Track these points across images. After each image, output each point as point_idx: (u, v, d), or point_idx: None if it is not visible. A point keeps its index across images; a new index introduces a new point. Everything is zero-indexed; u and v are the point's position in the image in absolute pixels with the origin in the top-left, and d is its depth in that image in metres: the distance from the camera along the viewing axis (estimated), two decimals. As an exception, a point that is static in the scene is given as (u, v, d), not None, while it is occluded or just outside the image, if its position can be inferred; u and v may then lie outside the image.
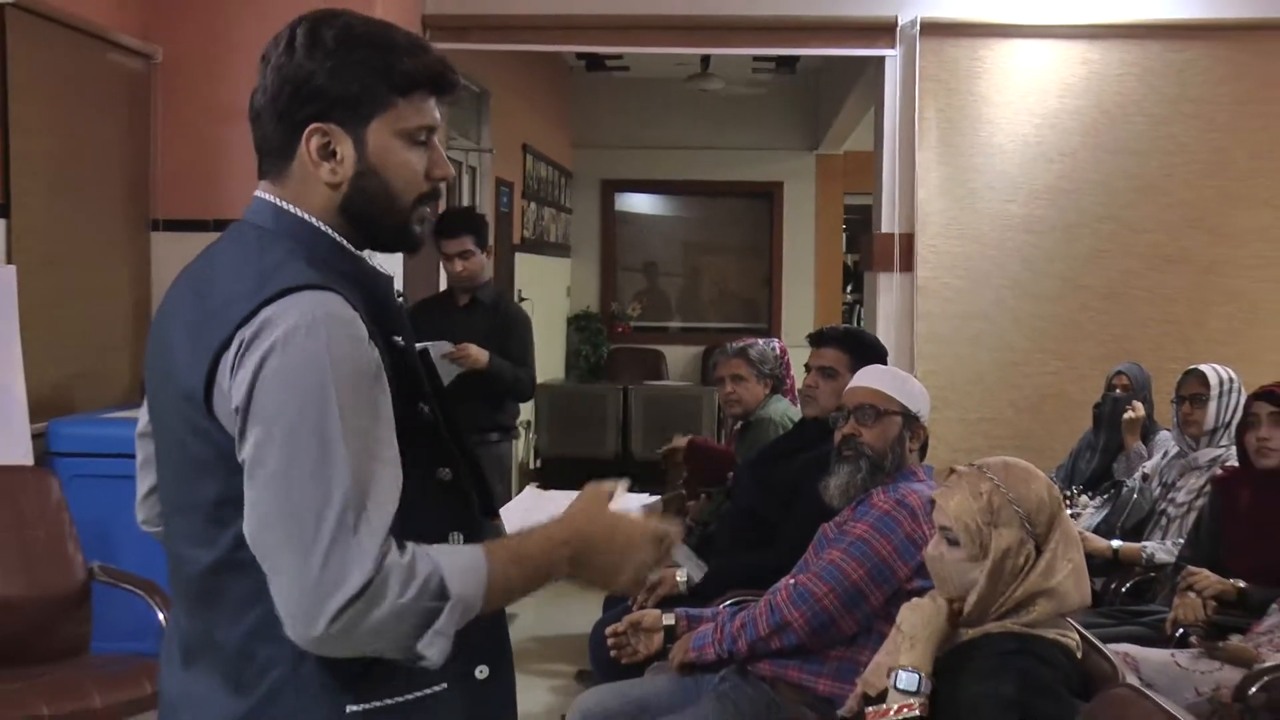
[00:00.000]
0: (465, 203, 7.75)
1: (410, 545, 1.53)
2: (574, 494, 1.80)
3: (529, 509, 2.14)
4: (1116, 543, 4.46)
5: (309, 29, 1.64)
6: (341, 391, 1.50)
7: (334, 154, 1.65)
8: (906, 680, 2.38)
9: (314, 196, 1.67)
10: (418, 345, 1.71)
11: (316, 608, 1.46)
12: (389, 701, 1.60)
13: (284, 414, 1.49)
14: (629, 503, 2.09)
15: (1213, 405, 4.44)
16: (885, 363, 3.90)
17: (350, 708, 1.59)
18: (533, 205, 9.51)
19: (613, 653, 3.41)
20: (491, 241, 5.29)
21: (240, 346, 1.51)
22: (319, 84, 1.62)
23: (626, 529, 1.70)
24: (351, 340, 1.54)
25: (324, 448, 1.48)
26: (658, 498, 2.25)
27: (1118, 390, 5.29)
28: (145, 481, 1.87)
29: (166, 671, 1.74)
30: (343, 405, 1.50)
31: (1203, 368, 4.55)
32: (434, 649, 1.51)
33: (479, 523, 1.71)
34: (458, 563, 1.54)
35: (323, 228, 1.67)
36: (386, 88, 1.64)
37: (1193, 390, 4.51)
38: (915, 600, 2.51)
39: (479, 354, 4.92)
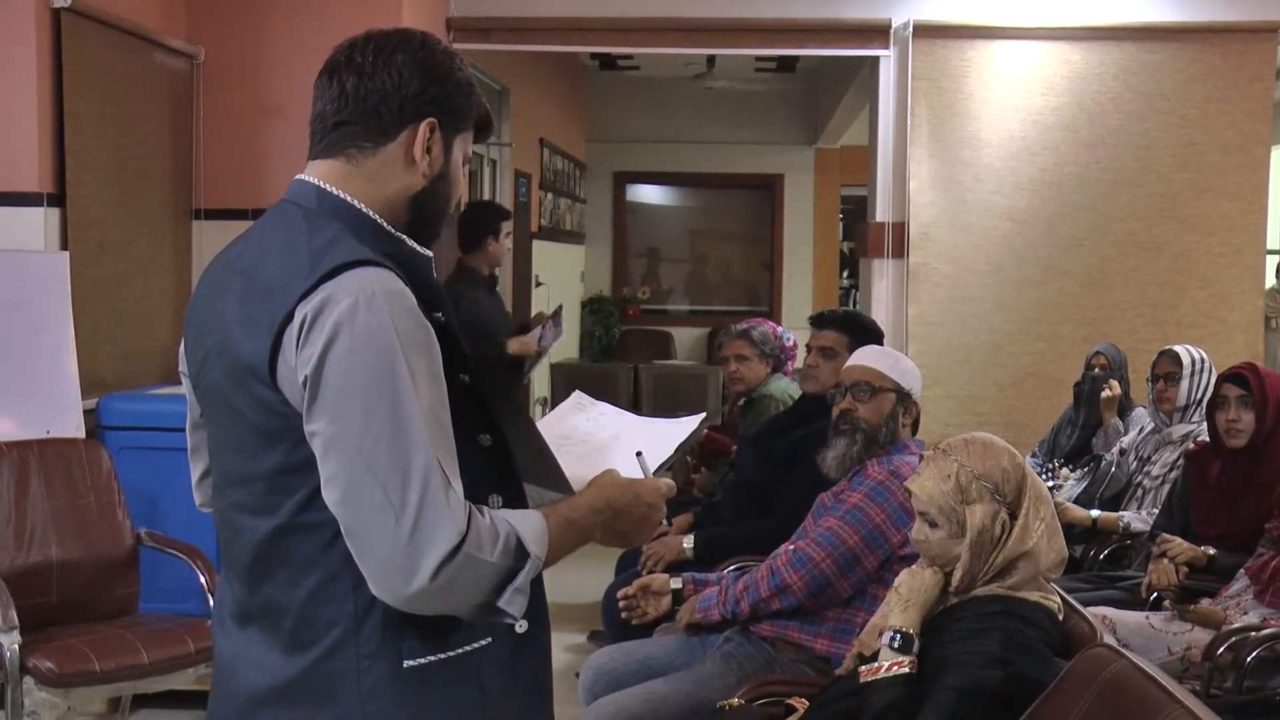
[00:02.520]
0: (486, 192, 7.77)
1: (484, 508, 1.55)
2: (613, 406, 2.03)
3: (574, 418, 2.12)
4: (1095, 512, 4.45)
5: (436, 41, 1.72)
6: (410, 359, 1.51)
7: (429, 150, 1.68)
8: (897, 640, 2.38)
9: (387, 182, 1.68)
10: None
11: (414, 565, 1.47)
12: (441, 656, 1.60)
13: (358, 386, 1.49)
14: (684, 424, 2.08)
15: (1185, 383, 4.42)
16: (882, 344, 3.88)
17: (406, 662, 1.59)
18: (549, 196, 9.49)
19: (623, 615, 3.40)
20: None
21: (305, 322, 1.51)
22: (448, 89, 1.69)
23: (645, 495, 1.76)
24: (410, 311, 1.54)
25: (400, 414, 1.48)
26: (704, 415, 2.22)
27: (1096, 370, 5.26)
28: (199, 467, 1.86)
29: (220, 635, 1.73)
30: (413, 372, 1.50)
31: (1176, 348, 4.52)
32: (515, 605, 1.54)
33: (518, 485, 1.71)
34: (528, 524, 1.57)
35: (365, 210, 1.66)
36: (473, 115, 1.74)
37: (1166, 369, 4.48)
38: (916, 567, 2.50)
39: (530, 344, 5.21)
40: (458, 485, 1.51)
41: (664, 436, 2.01)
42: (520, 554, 1.54)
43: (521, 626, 1.68)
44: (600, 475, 1.75)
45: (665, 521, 1.86)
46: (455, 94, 1.70)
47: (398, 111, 1.66)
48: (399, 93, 1.66)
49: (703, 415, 2.11)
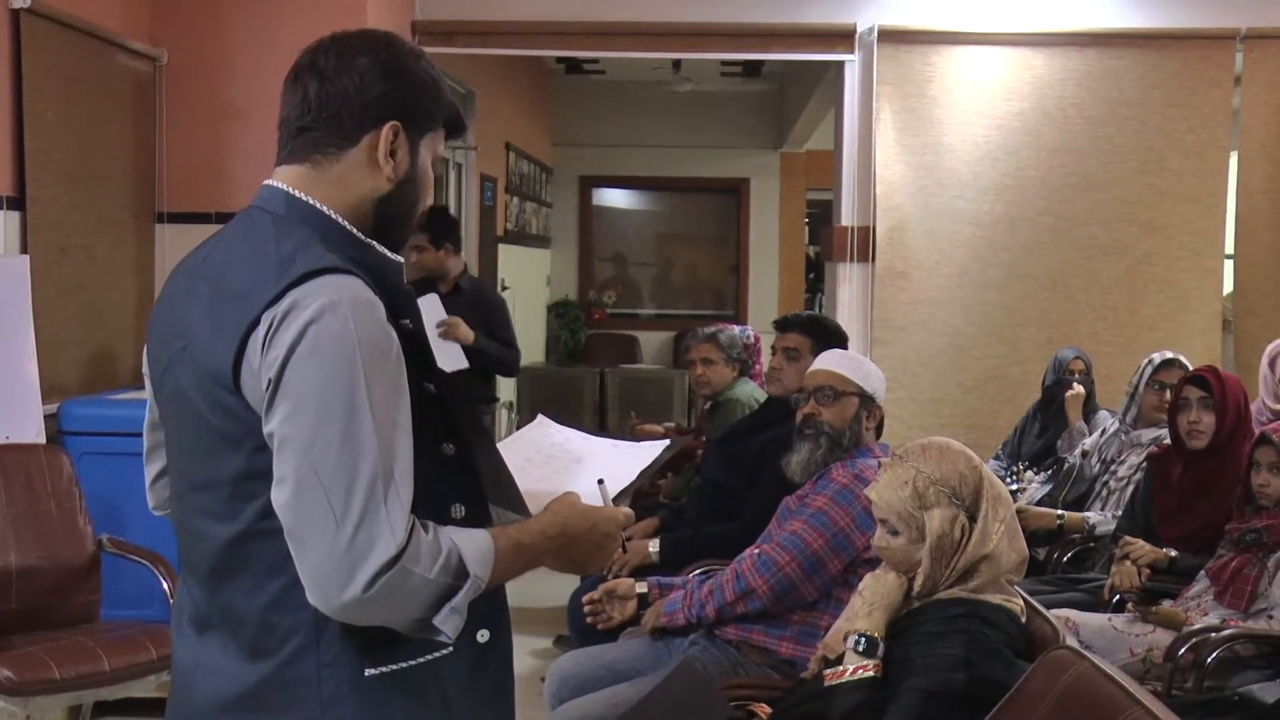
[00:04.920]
0: (452, 196, 7.74)
1: (430, 523, 1.54)
2: (575, 431, 1.99)
3: (537, 441, 2.11)
4: (1062, 512, 4.47)
5: (410, 46, 1.71)
6: (368, 369, 1.50)
7: (394, 154, 1.67)
8: (862, 643, 2.38)
9: (352, 186, 1.66)
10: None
11: (349, 574, 1.46)
12: (401, 665, 1.60)
13: (314, 390, 1.48)
14: (648, 450, 2.07)
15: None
16: (845, 346, 3.89)
17: (368, 671, 1.58)
18: (515, 199, 9.47)
19: (589, 619, 3.40)
20: (455, 239, 5.51)
21: (270, 327, 1.50)
22: (412, 90, 1.68)
23: (601, 525, 1.74)
24: (374, 321, 1.53)
25: (353, 422, 1.48)
26: (668, 442, 2.21)
27: (1076, 375, 5.27)
28: (153, 468, 1.84)
29: (179, 641, 1.71)
30: (370, 382, 1.50)
31: (1183, 359, 4.51)
32: (449, 624, 1.53)
33: (482, 496, 1.70)
34: (473, 544, 1.55)
35: (334, 216, 1.65)
36: (441, 114, 1.73)
37: (1174, 381, 4.41)
38: (879, 571, 2.50)
39: (466, 331, 5.04)
40: (405, 497, 1.50)
41: (628, 461, 2.00)
42: (460, 573, 1.53)
43: (483, 636, 1.68)
44: (557, 500, 1.73)
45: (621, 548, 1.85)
46: (419, 95, 1.68)
47: (359, 115, 1.65)
48: (360, 96, 1.65)
49: (667, 442, 2.11)
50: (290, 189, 1.66)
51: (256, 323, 1.51)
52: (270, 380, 1.50)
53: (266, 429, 1.51)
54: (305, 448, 1.48)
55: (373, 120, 1.65)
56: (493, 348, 5.24)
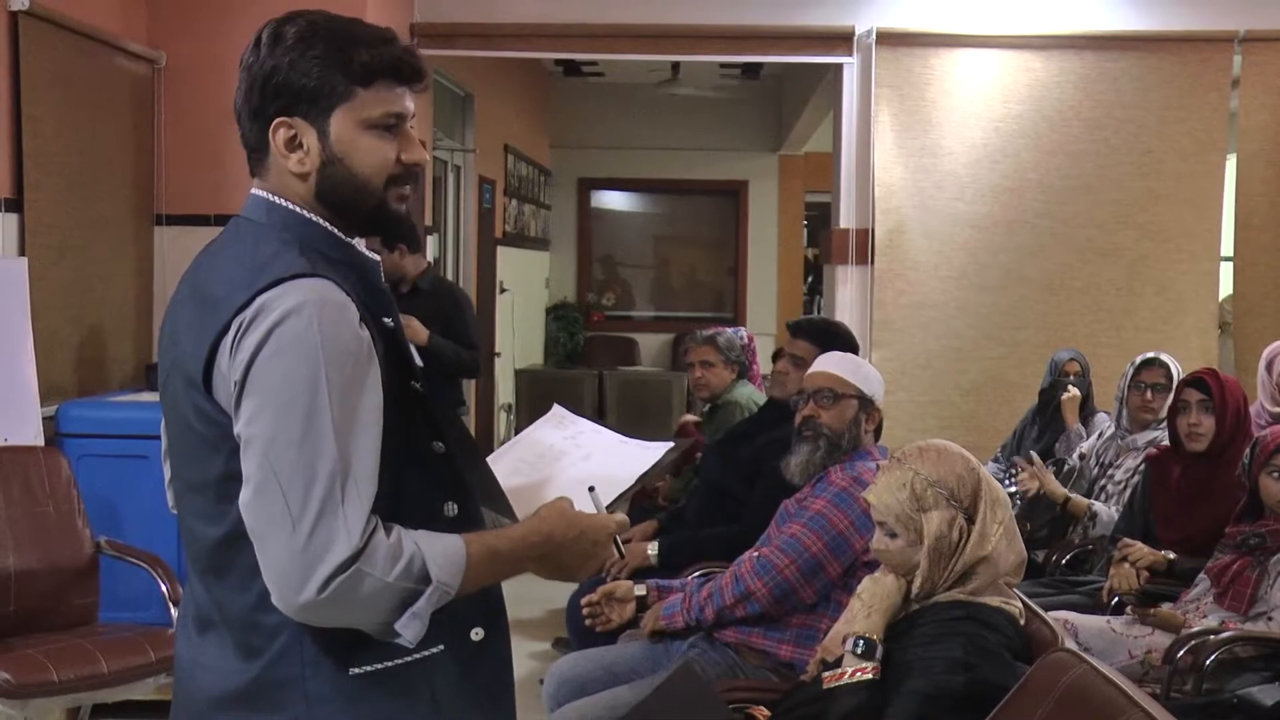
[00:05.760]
0: (450, 201, 7.73)
1: (395, 526, 1.53)
2: (592, 423, 1.94)
3: (550, 436, 2.09)
4: (1071, 493, 4.48)
5: (273, 28, 1.63)
6: (331, 370, 1.49)
7: (300, 145, 1.62)
8: (861, 646, 2.38)
9: (292, 187, 1.65)
10: None
11: (305, 575, 1.46)
12: (389, 664, 1.59)
13: (277, 390, 1.49)
14: (655, 450, 2.05)
15: (1172, 395, 4.39)
16: (857, 353, 3.87)
17: (353, 670, 1.58)
18: (514, 202, 9.47)
19: (587, 621, 3.39)
20: (410, 240, 5.22)
21: (238, 330, 1.51)
22: (281, 79, 1.60)
23: (590, 533, 1.71)
24: (342, 322, 1.53)
25: (313, 423, 1.48)
26: (672, 444, 2.20)
27: (1071, 377, 5.27)
28: (169, 469, 1.85)
29: (181, 638, 1.73)
30: (332, 383, 1.49)
31: (1163, 357, 4.51)
32: (410, 629, 1.52)
33: (472, 494, 1.69)
34: (440, 549, 1.54)
35: (313, 218, 1.65)
36: (345, 79, 1.61)
37: (1155, 379, 4.44)
38: (878, 574, 2.50)
39: (419, 330, 4.82)
40: (366, 498, 1.50)
41: (636, 459, 1.99)
42: (422, 578, 1.51)
43: (478, 634, 1.67)
44: (546, 505, 1.71)
45: (617, 552, 1.81)
46: (296, 79, 1.60)
47: (252, 125, 1.64)
48: (246, 105, 1.64)
49: (671, 444, 2.10)
50: (270, 195, 1.66)
51: (227, 328, 1.52)
52: (236, 383, 1.51)
53: (235, 430, 1.52)
54: (266, 448, 1.48)
55: (262, 124, 1.63)
56: (448, 348, 4.98)
